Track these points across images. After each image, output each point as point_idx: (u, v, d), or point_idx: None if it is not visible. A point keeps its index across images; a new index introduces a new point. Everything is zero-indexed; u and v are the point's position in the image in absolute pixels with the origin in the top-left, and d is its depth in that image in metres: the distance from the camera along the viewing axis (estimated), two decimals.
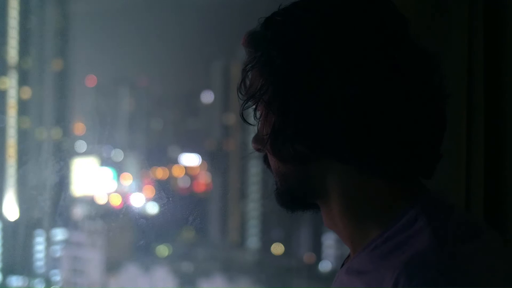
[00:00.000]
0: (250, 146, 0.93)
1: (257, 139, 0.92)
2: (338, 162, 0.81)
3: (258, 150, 0.92)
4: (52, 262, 4.39)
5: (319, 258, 8.52)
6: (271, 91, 0.83)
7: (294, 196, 0.89)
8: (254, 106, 0.88)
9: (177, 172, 5.58)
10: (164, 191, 2.49)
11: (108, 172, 4.48)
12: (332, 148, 0.80)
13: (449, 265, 0.70)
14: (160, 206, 2.47)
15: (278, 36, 0.84)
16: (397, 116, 0.78)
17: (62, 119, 4.06)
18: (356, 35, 0.80)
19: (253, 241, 8.94)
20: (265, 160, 0.93)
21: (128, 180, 4.71)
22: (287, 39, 0.83)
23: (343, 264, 0.92)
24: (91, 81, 5.36)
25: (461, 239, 0.75)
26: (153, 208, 2.97)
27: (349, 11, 0.81)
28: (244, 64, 0.90)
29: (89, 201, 4.49)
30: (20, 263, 4.08)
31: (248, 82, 0.89)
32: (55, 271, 4.61)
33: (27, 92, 4.03)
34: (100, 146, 4.29)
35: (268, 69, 0.84)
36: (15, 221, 3.75)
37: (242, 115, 0.90)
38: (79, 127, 4.51)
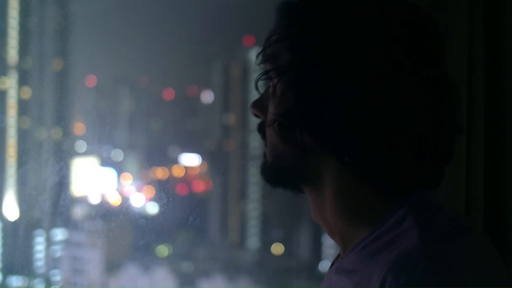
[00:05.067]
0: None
1: (259, 106, 0.90)
2: (339, 162, 0.81)
3: (256, 115, 0.91)
4: (52, 262, 4.39)
5: (319, 258, 8.51)
6: (295, 72, 0.81)
7: (283, 176, 0.88)
8: (270, 77, 0.86)
9: (177, 172, 5.57)
10: (164, 191, 2.49)
11: (108, 172, 4.48)
12: (338, 148, 0.80)
13: (436, 263, 0.70)
14: (160, 206, 2.47)
15: (320, 19, 0.81)
16: (411, 131, 0.78)
17: (62, 119, 4.06)
18: (393, 39, 0.79)
19: (253, 241, 8.93)
20: (260, 129, 0.91)
21: (128, 180, 4.71)
22: (329, 25, 0.80)
23: (332, 263, 0.92)
24: (91, 81, 5.36)
25: (448, 238, 0.75)
26: (153, 208, 2.97)
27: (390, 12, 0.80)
28: (272, 31, 0.86)
29: (89, 201, 4.49)
30: (20, 263, 4.07)
31: (271, 51, 0.86)
32: (55, 271, 4.60)
33: (27, 92, 4.02)
34: (100, 146, 4.29)
35: (300, 50, 0.81)
36: (15, 221, 3.75)
37: (257, 84, 0.88)
38: (79, 127, 4.50)
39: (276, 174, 0.89)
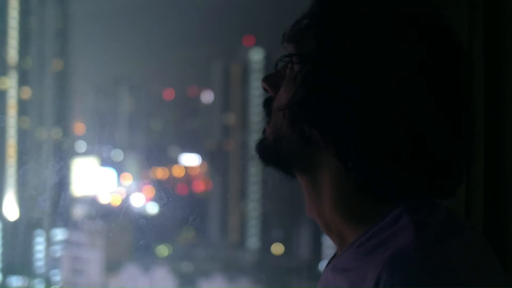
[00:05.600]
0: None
1: (271, 82, 0.88)
2: (342, 165, 0.80)
3: (265, 90, 0.90)
4: (52, 262, 4.39)
5: (319, 258, 8.51)
6: (321, 65, 0.79)
7: (279, 157, 0.87)
8: (292, 61, 0.84)
9: (177, 172, 5.57)
10: (164, 191, 2.49)
11: (108, 172, 4.48)
12: (344, 153, 0.79)
13: (431, 261, 0.70)
14: (160, 206, 2.47)
15: (352, 16, 0.79)
16: (427, 148, 0.77)
17: (62, 119, 4.06)
18: (418, 40, 0.78)
19: (253, 241, 8.93)
20: (266, 104, 0.90)
21: (128, 180, 4.71)
22: (360, 27, 0.78)
23: (329, 262, 0.92)
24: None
25: (444, 236, 0.75)
26: (153, 208, 2.97)
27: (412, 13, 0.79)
28: (304, 15, 0.83)
29: (89, 201, 4.49)
30: (20, 263, 4.07)
31: (297, 34, 0.83)
32: (55, 271, 4.60)
33: (27, 92, 4.03)
34: (100, 146, 4.29)
35: (329, 42, 0.79)
36: (15, 221, 3.75)
37: (277, 65, 0.86)
38: (79, 127, 4.50)
39: (273, 154, 0.87)
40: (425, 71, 0.78)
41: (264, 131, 0.89)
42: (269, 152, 0.88)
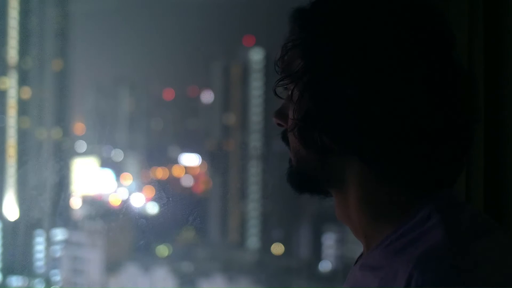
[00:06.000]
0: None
1: (280, 115, 0.90)
2: (361, 162, 0.81)
3: (279, 125, 0.92)
4: (52, 262, 4.39)
5: (319, 258, 8.52)
6: (309, 76, 0.82)
7: (308, 179, 0.89)
8: (286, 83, 0.86)
9: (177, 172, 5.58)
10: (164, 191, 2.49)
11: (108, 173, 4.48)
12: (358, 147, 0.80)
13: (462, 260, 0.70)
14: (160, 206, 2.47)
15: (329, 23, 0.82)
16: (428, 129, 0.78)
17: (62, 119, 4.07)
18: (405, 38, 0.79)
19: (253, 241, 8.94)
20: (284, 137, 0.92)
21: (128, 180, 4.72)
22: (339, 28, 0.81)
23: (356, 261, 0.93)
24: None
25: (474, 236, 0.75)
26: (153, 208, 2.97)
27: (406, 11, 0.81)
28: (287, 39, 0.87)
29: (89, 201, 4.49)
30: (20, 263, 4.07)
31: (286, 59, 0.87)
32: (55, 271, 4.60)
33: (27, 92, 4.03)
34: (100, 146, 4.29)
35: (312, 55, 0.82)
36: (15, 221, 3.75)
37: (275, 91, 0.89)
38: (79, 127, 4.51)
39: (301, 178, 0.89)
40: (411, 60, 0.79)
41: (290, 161, 0.91)
42: (297, 178, 0.90)
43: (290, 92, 0.86)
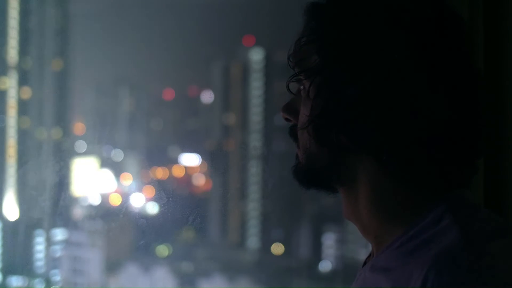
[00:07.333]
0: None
1: (289, 109, 0.89)
2: (375, 162, 0.80)
3: (286, 119, 0.91)
4: (52, 262, 4.39)
5: (319, 258, 8.52)
6: (328, 73, 0.80)
7: (317, 176, 0.88)
8: (301, 79, 0.86)
9: (177, 172, 5.57)
10: (164, 191, 2.49)
11: (108, 173, 4.48)
12: (375, 147, 0.79)
13: (478, 262, 0.70)
14: (160, 206, 2.47)
15: (349, 19, 0.81)
16: (444, 131, 0.78)
17: (62, 119, 4.07)
18: (422, 34, 0.78)
19: (253, 241, 8.93)
20: (292, 132, 0.91)
21: (128, 180, 4.72)
22: (359, 24, 0.79)
23: (365, 262, 0.92)
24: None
25: (488, 237, 0.75)
26: (153, 208, 2.97)
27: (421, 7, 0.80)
28: (301, 34, 0.85)
29: (89, 201, 4.49)
30: (20, 263, 4.07)
31: (300, 54, 0.85)
32: (55, 271, 4.60)
33: (27, 92, 4.02)
34: (100, 146, 4.29)
35: (331, 52, 0.81)
36: (15, 221, 3.75)
37: (288, 86, 0.88)
38: (79, 127, 4.51)
39: (310, 175, 0.88)
40: (428, 60, 0.79)
41: (296, 157, 0.90)
42: (306, 174, 0.89)
43: (304, 88, 0.85)
